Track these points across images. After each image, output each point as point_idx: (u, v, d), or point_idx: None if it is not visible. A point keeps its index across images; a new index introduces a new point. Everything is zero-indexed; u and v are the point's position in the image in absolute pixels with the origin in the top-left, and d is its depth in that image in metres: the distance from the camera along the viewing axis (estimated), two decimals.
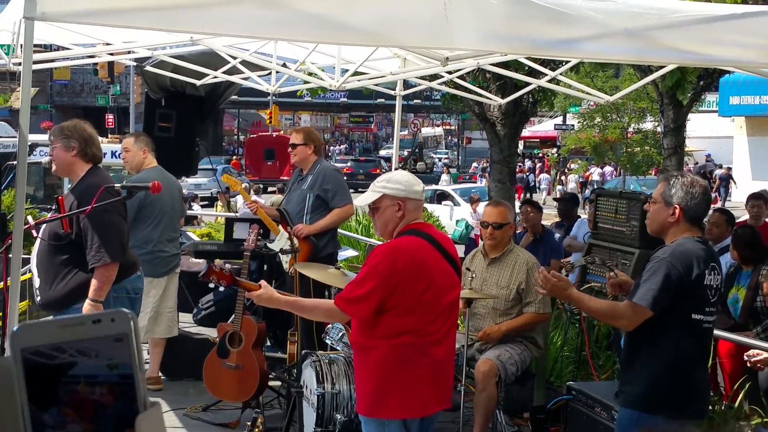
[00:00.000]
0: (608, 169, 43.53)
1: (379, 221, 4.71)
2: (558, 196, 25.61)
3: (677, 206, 4.40)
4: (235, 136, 70.85)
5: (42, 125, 29.42)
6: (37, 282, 5.67)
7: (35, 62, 8.25)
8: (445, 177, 43.72)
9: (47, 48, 9.11)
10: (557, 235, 10.86)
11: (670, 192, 4.43)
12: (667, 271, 4.29)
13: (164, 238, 7.80)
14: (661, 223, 4.49)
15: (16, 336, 1.20)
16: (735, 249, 7.82)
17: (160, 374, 8.16)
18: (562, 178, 43.97)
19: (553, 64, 8.99)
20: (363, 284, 4.48)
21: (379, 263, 4.50)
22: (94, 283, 5.50)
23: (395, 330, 4.47)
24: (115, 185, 5.50)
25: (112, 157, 14.75)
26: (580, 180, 43.00)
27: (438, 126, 59.04)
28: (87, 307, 5.46)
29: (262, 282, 4.74)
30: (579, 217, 11.89)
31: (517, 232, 11.07)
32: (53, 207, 5.68)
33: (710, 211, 7.97)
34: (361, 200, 4.76)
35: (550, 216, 16.22)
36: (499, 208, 6.76)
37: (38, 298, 5.71)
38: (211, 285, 4.79)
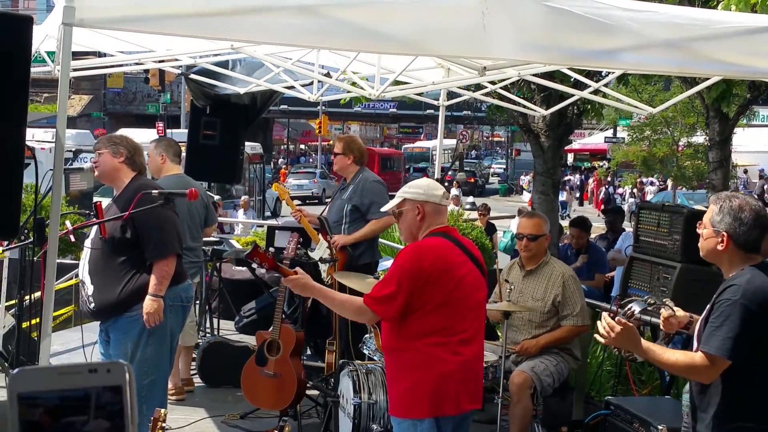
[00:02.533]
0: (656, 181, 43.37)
1: (402, 226, 4.78)
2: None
3: (725, 233, 3.98)
4: (285, 146, 71.23)
5: (95, 132, 29.76)
6: (90, 289, 5.59)
7: (79, 69, 8.41)
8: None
9: (101, 56, 9.17)
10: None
11: (717, 218, 4.01)
12: (743, 315, 3.80)
13: None
14: (712, 252, 4.06)
15: (15, 380, 1.19)
16: None
17: (194, 377, 8.29)
18: (634, 190, 43.38)
19: (598, 76, 8.91)
20: (391, 283, 4.51)
21: (406, 262, 4.54)
22: (153, 278, 5.50)
23: (426, 329, 4.49)
24: (152, 192, 5.52)
25: None
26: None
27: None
28: (148, 302, 5.46)
29: (298, 269, 4.73)
30: (624, 230, 11.77)
31: (561, 244, 11.00)
32: (92, 213, 5.71)
33: None
34: (386, 207, 4.87)
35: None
36: (534, 219, 6.74)
37: (91, 305, 5.62)
38: (254, 266, 4.81)
